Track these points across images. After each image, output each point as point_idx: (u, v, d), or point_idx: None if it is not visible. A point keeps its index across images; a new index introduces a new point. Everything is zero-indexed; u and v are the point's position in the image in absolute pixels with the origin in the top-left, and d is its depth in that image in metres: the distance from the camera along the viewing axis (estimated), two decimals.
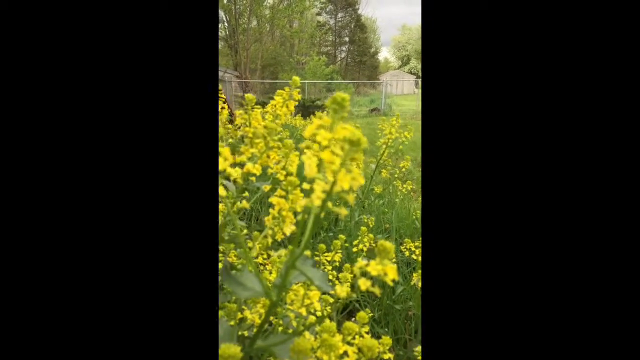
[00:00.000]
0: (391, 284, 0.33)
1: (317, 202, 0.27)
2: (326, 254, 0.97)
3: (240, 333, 0.54)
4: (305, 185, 0.33)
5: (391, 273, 0.33)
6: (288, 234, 0.41)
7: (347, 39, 29.14)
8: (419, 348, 0.54)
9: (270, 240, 0.46)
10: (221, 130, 0.66)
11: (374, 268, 0.33)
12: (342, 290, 0.32)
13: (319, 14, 27.32)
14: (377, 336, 0.60)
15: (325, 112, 0.36)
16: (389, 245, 0.34)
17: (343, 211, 0.28)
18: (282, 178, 0.44)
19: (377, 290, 0.34)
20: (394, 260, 1.48)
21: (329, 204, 0.31)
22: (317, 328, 0.46)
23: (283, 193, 0.41)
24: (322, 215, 0.30)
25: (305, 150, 0.29)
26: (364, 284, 0.33)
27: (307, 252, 0.36)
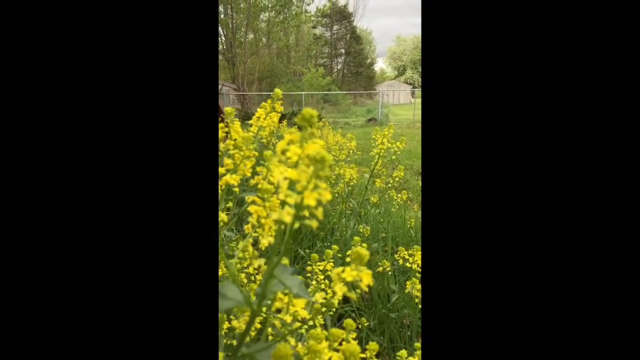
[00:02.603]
0: (366, 289, 0.35)
1: (288, 219, 0.28)
2: (318, 263, 0.98)
3: (228, 342, 0.55)
4: (282, 196, 0.34)
5: (366, 279, 0.35)
6: (267, 244, 0.42)
7: (343, 50, 29.46)
8: (401, 352, 0.55)
9: (251, 249, 0.48)
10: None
11: (349, 274, 0.35)
12: (320, 296, 0.33)
13: (314, 27, 27.66)
14: None
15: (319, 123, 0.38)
16: (364, 251, 0.35)
17: (314, 224, 0.30)
18: (264, 188, 0.46)
19: (353, 295, 0.35)
20: (388, 269, 1.49)
21: (306, 213, 0.33)
22: (307, 335, 0.47)
23: (261, 202, 0.43)
24: (297, 226, 0.32)
25: (277, 165, 0.30)
26: (340, 289, 0.35)
27: (285, 261, 0.37)
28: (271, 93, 0.70)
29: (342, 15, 28.68)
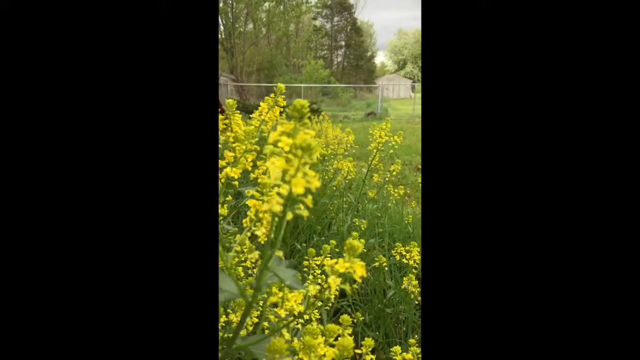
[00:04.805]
0: (359, 280, 0.35)
1: (277, 208, 0.28)
2: (315, 258, 0.98)
3: (225, 335, 0.55)
4: (280, 190, 0.34)
5: (359, 270, 0.35)
6: (261, 236, 0.42)
7: (343, 42, 29.28)
8: (395, 348, 0.55)
9: (248, 242, 0.47)
10: None
11: (342, 266, 0.35)
12: (314, 289, 0.33)
13: (315, 18, 27.43)
14: None
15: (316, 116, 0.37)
16: (357, 243, 0.35)
17: (305, 213, 0.30)
18: (264, 182, 0.46)
19: (347, 287, 0.35)
20: (385, 264, 1.49)
21: (301, 206, 0.32)
22: (302, 330, 0.47)
23: (259, 195, 0.42)
24: (290, 217, 0.31)
25: (269, 156, 0.30)
26: (333, 282, 0.35)
27: (279, 253, 0.37)
28: (270, 85, 0.70)
29: (342, 7, 28.46)
